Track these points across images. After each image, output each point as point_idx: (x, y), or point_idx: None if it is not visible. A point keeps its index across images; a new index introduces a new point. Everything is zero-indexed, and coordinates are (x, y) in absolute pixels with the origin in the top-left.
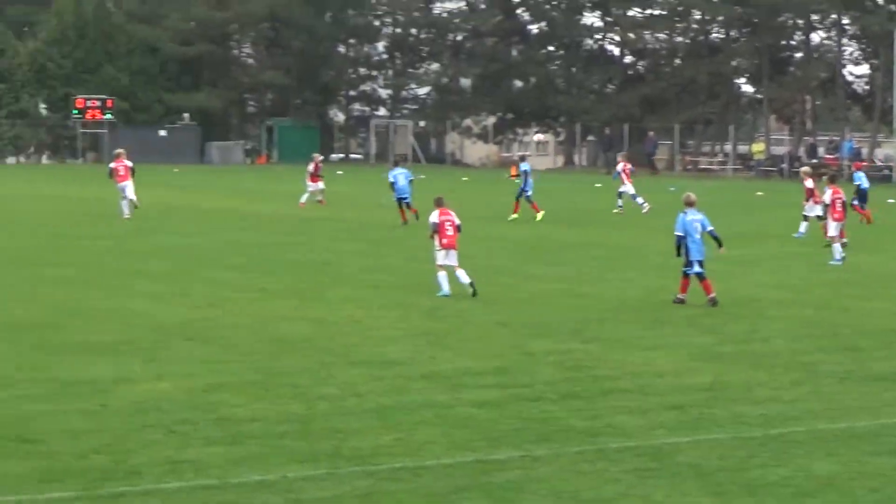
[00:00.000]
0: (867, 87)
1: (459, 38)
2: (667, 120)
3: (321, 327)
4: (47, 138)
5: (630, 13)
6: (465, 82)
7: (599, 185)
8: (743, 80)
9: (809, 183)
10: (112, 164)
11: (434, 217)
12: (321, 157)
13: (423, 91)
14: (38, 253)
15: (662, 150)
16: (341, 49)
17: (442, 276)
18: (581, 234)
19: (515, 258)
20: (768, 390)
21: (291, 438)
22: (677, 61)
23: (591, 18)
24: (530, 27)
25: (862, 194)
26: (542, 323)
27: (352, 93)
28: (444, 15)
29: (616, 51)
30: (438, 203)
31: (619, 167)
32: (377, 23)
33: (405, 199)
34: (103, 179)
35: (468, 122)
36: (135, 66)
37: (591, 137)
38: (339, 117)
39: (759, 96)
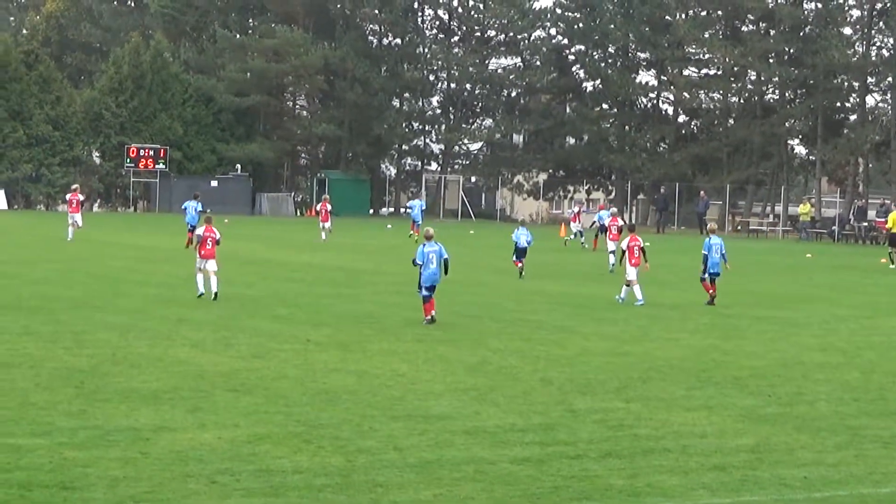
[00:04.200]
0: None
1: (514, 94)
2: (718, 180)
3: (364, 380)
4: (100, 186)
5: (686, 72)
6: (518, 138)
7: (648, 244)
8: (796, 141)
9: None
10: (68, 196)
11: (624, 244)
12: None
13: (475, 146)
14: (90, 299)
15: (713, 210)
16: (395, 103)
17: (637, 288)
18: None
19: (562, 315)
20: (812, 453)
21: (331, 491)
22: (731, 121)
23: (646, 77)
24: (585, 84)
25: None
26: (586, 381)
27: (404, 147)
28: (500, 71)
29: (670, 110)
30: (631, 229)
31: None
32: (432, 77)
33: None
34: (156, 228)
35: (519, 178)
36: (189, 115)
37: (641, 196)
38: (391, 171)
39: (811, 158)
